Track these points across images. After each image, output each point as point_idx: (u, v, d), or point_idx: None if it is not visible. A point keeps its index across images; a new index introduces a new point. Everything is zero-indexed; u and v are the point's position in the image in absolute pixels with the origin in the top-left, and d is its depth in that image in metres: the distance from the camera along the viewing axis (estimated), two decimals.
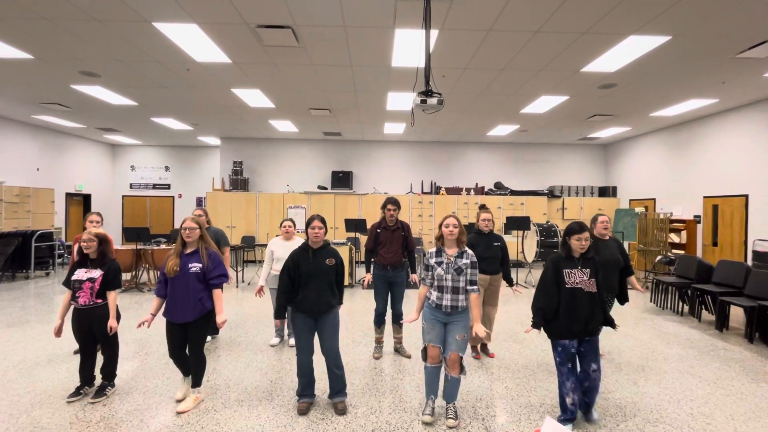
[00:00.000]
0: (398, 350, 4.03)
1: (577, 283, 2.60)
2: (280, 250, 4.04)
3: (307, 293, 2.80)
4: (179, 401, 2.95)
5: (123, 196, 12.27)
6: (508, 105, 7.15)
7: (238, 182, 10.28)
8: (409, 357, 3.92)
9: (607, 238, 3.72)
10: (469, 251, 2.81)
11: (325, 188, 10.44)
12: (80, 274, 2.94)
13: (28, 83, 6.26)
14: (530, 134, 9.75)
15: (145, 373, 3.48)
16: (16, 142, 9.08)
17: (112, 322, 2.93)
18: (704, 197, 7.74)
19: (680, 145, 8.38)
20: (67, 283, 2.98)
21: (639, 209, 8.53)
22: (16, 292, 6.55)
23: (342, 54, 4.96)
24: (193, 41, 4.59)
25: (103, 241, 3.01)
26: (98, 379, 3.10)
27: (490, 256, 3.74)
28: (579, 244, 2.62)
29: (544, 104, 7.01)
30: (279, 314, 2.89)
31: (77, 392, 2.99)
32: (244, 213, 9.76)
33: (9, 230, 7.94)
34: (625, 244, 9.38)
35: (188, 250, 2.91)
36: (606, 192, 10.59)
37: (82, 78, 5.92)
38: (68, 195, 10.64)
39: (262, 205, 9.82)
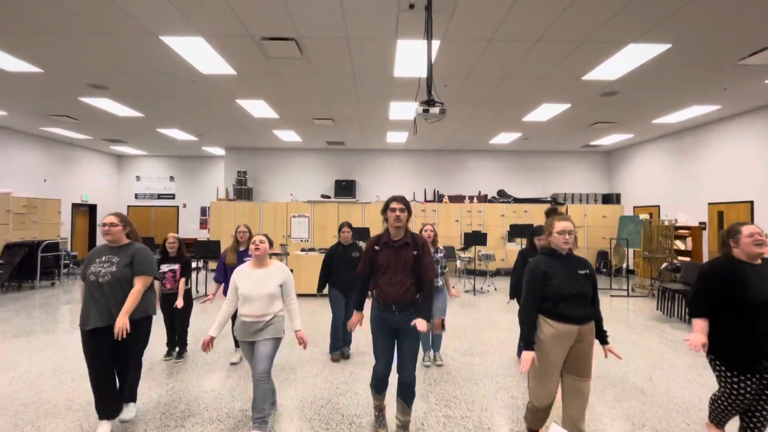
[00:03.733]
0: None
1: None
2: (246, 284, 2.66)
3: (339, 276, 4.03)
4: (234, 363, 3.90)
5: (128, 206, 12.37)
6: (510, 113, 7.19)
7: (242, 192, 10.35)
8: None
9: (759, 261, 2.26)
10: (441, 247, 3.87)
11: (329, 197, 10.48)
12: (163, 267, 3.92)
13: (38, 96, 6.39)
14: (533, 142, 9.78)
15: (149, 383, 3.46)
16: (24, 154, 9.21)
17: (179, 301, 3.84)
18: (709, 204, 7.70)
19: (683, 151, 8.37)
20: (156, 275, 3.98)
21: (643, 216, 8.48)
22: (22, 303, 6.58)
23: (345, 65, 5.03)
24: (199, 54, 4.67)
25: (182, 243, 4.06)
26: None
27: (578, 294, 2.17)
28: (539, 243, 3.51)
29: (546, 112, 7.04)
30: (320, 289, 4.09)
31: (169, 353, 4.05)
32: (248, 222, 9.77)
33: (16, 240, 8.02)
34: (630, 252, 9.19)
35: (242, 248, 4.00)
36: (610, 199, 10.56)
37: (90, 90, 6.03)
38: (74, 205, 10.75)
39: (265, 214, 9.86)
